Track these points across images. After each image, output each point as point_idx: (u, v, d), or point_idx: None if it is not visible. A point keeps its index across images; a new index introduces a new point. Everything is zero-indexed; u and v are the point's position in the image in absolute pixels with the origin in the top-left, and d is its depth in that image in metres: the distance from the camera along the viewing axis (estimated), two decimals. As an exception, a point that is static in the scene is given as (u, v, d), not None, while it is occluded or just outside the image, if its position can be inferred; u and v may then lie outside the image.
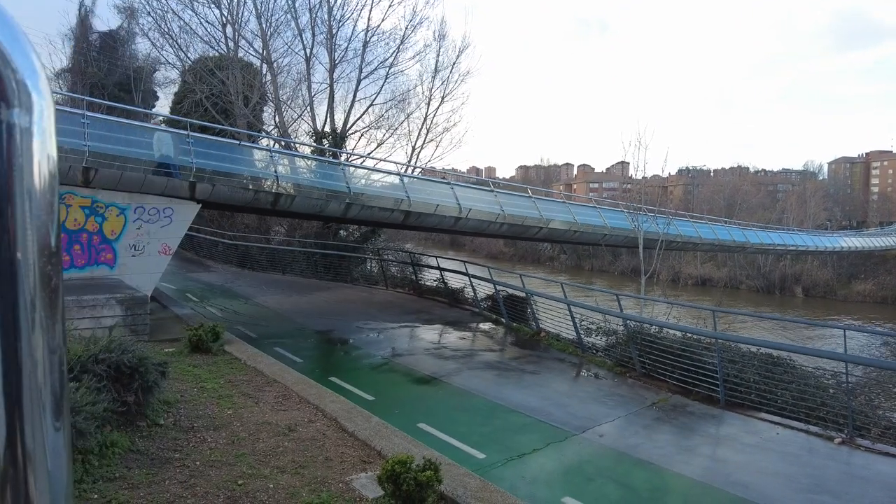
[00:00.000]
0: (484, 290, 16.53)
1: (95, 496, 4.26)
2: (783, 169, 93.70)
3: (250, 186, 12.87)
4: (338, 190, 14.25)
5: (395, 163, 22.55)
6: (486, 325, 15.28)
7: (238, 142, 13.66)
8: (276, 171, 13.17)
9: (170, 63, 27.12)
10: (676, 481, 6.78)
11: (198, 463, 4.99)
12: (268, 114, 28.05)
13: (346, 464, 5.23)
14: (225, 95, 24.21)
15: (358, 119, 24.67)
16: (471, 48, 39.33)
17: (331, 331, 13.75)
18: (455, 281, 18.01)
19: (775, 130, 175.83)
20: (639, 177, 20.39)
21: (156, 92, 39.14)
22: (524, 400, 9.34)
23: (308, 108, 24.22)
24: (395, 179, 15.63)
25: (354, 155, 22.68)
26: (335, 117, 24.20)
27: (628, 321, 10.97)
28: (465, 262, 18.02)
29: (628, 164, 21.09)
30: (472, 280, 16.63)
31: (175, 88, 32.34)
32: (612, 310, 11.55)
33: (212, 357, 8.84)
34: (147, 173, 11.60)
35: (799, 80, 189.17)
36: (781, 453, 7.63)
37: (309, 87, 23.94)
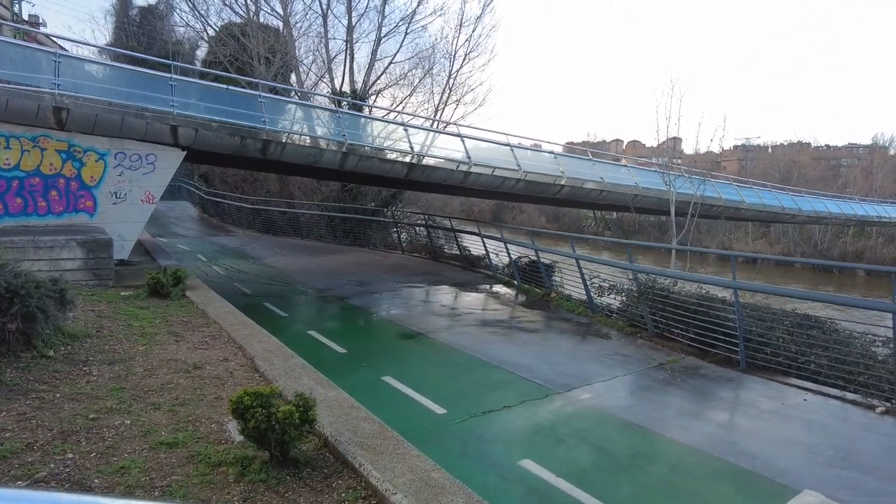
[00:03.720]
0: (504, 256, 15.42)
1: None
2: (849, 144, 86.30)
3: (238, 133, 12.12)
4: (333, 139, 13.33)
5: (399, 113, 21.42)
6: (496, 287, 14.23)
7: (226, 86, 12.87)
8: (265, 120, 12.33)
9: (190, 26, 26.73)
10: (667, 448, 5.63)
11: (58, 395, 4.23)
12: (292, 80, 27.38)
13: (237, 404, 4.36)
14: (246, 59, 23.63)
15: (377, 79, 23.68)
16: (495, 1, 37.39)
17: (330, 289, 13.06)
18: (475, 247, 17.04)
19: (840, 105, 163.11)
20: (690, 152, 18.63)
21: (196, 66, 39.34)
22: (512, 357, 8.31)
23: (326, 68, 23.37)
24: (400, 130, 14.54)
25: (378, 108, 21.72)
26: (355, 78, 23.32)
27: (639, 274, 9.67)
28: (478, 222, 16.94)
29: (680, 139, 19.36)
30: (486, 241, 15.58)
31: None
32: (621, 262, 10.27)
33: (167, 301, 8.15)
34: (126, 116, 11.01)
35: (869, 49, 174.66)
36: (805, 421, 6.33)
37: (326, 45, 23.11)
